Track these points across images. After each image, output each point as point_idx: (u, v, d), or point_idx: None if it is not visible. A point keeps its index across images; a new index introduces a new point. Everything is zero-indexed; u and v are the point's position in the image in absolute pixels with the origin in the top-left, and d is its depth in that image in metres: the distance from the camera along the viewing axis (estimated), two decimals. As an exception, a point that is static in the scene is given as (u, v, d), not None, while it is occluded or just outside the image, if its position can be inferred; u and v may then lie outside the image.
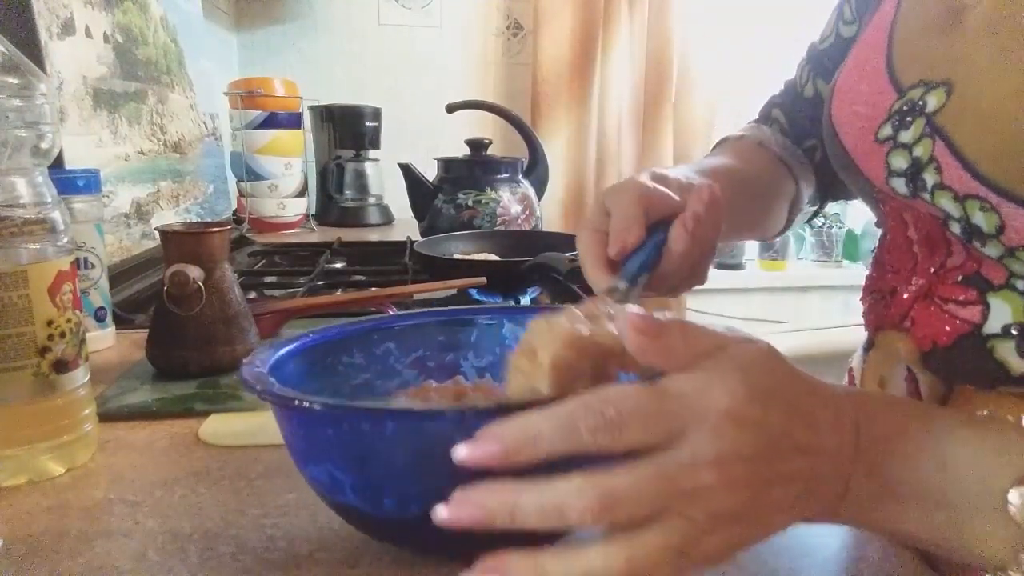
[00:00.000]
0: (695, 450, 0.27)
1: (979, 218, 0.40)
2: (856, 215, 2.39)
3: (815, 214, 0.74)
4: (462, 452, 0.27)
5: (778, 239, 2.29)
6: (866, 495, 0.31)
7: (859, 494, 0.31)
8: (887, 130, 0.45)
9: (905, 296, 0.48)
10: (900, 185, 0.44)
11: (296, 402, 0.31)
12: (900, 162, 0.44)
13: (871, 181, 0.48)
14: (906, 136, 0.44)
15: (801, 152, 0.68)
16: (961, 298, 0.44)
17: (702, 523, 0.27)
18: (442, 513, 0.27)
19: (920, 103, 0.43)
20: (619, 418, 0.27)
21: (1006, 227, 0.39)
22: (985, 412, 0.43)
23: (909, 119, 0.44)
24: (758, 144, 0.68)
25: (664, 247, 0.46)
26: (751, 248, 2.38)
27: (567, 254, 0.83)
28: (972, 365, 0.43)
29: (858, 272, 2.34)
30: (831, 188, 0.70)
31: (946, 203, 0.41)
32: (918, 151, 0.43)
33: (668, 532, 0.27)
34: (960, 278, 0.44)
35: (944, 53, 0.43)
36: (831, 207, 2.68)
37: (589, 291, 0.86)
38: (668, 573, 0.27)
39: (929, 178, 0.42)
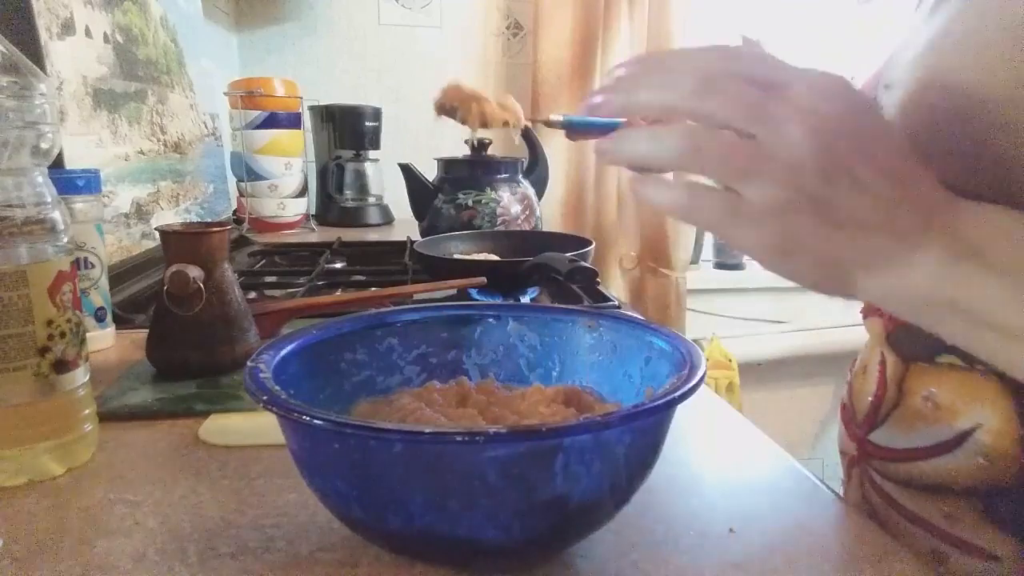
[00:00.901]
0: (792, 93, 0.31)
1: None
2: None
3: None
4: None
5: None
6: (949, 241, 0.31)
7: (943, 233, 0.31)
8: None
9: None
10: None
11: (302, 416, 0.30)
12: None
13: None
14: None
15: None
16: None
17: (769, 152, 0.31)
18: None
19: (881, 104, 0.48)
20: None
21: None
22: (933, 390, 0.46)
23: None
24: None
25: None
26: (751, 248, 2.38)
27: (567, 254, 0.83)
28: (922, 337, 0.43)
29: (858, 272, 2.34)
30: None
31: None
32: None
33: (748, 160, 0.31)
34: None
35: (902, 58, 0.48)
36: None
37: (588, 292, 0.86)
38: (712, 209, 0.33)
39: None
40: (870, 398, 0.52)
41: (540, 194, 1.28)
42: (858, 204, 0.31)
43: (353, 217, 1.67)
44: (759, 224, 0.32)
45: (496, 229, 1.15)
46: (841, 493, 0.52)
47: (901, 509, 0.49)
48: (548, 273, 0.83)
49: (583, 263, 0.82)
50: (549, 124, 0.55)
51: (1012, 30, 0.35)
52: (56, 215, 0.44)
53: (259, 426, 0.50)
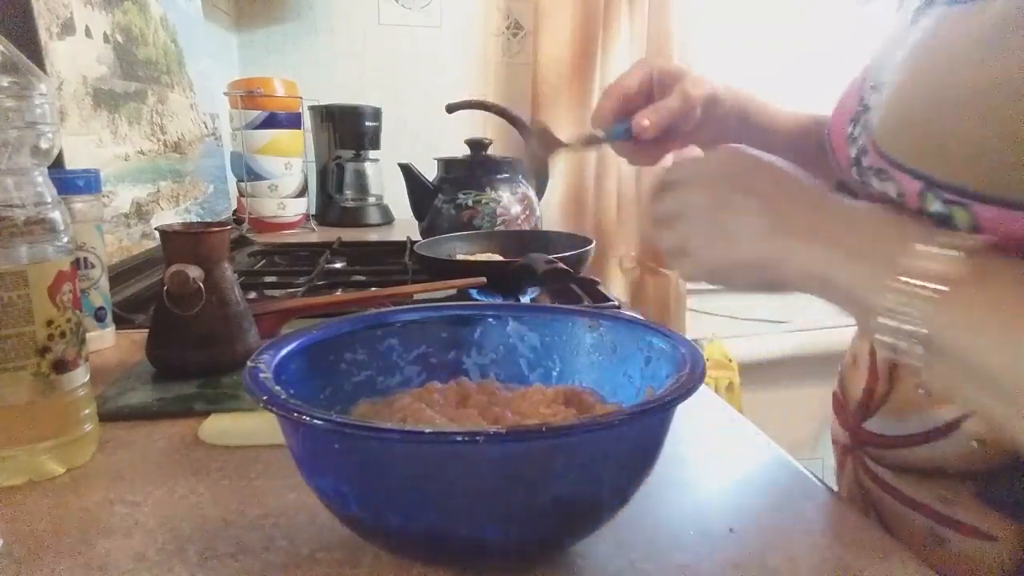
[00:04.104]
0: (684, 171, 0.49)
1: (888, 187, 0.45)
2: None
3: None
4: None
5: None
6: (824, 240, 0.40)
7: (816, 233, 0.41)
8: (850, 128, 0.51)
9: None
10: (855, 173, 0.49)
11: (302, 416, 0.30)
12: (852, 151, 0.50)
13: (845, 179, 0.53)
14: (856, 130, 0.50)
15: None
16: None
17: (690, 222, 0.46)
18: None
19: (866, 102, 0.49)
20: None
21: (905, 194, 0.43)
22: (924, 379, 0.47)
23: (861, 116, 0.50)
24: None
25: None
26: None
27: (547, 255, 0.84)
28: None
29: (858, 272, 2.34)
30: None
31: (875, 182, 0.46)
32: (861, 140, 0.48)
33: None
34: None
35: (890, 61, 0.48)
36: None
37: (589, 292, 0.86)
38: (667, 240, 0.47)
39: (865, 161, 0.47)
40: (862, 387, 0.53)
41: (540, 194, 1.28)
42: (742, 223, 0.43)
43: (353, 217, 1.67)
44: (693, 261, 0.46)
45: (496, 229, 1.15)
46: (835, 483, 0.56)
47: (897, 494, 0.50)
48: (530, 273, 0.83)
49: (560, 264, 0.82)
50: (589, 141, 0.63)
51: (978, 38, 0.40)
52: (56, 215, 0.44)
53: (259, 426, 0.50)
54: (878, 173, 0.46)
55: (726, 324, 2.30)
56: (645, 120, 0.59)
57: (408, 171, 1.21)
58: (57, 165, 0.75)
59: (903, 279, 0.35)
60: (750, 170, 0.45)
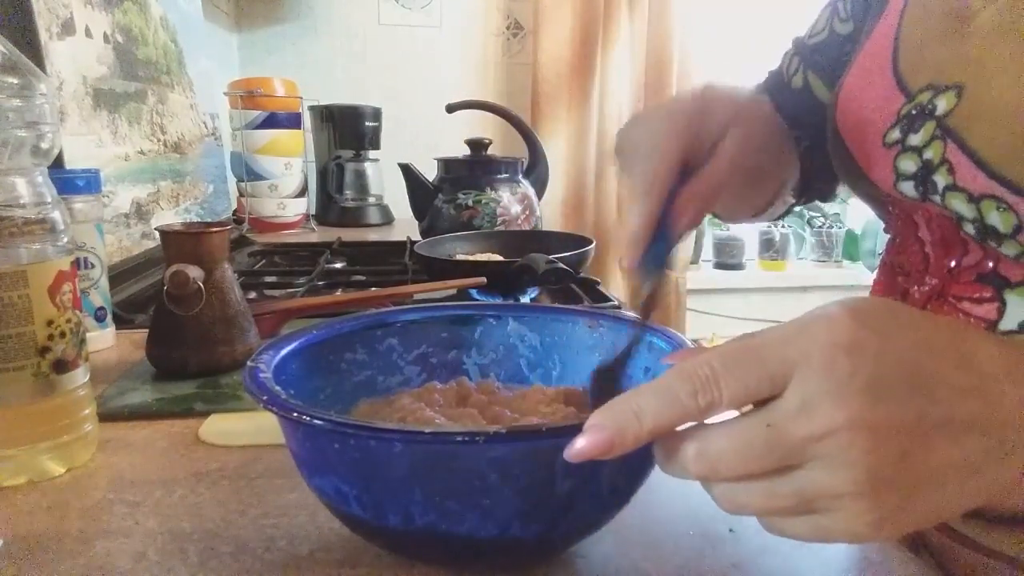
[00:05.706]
0: (804, 391, 0.24)
1: (995, 218, 0.40)
2: (856, 215, 2.39)
3: (787, 212, 0.71)
4: (574, 450, 0.27)
5: (778, 239, 2.30)
6: None
7: None
8: (895, 134, 0.45)
9: (917, 297, 0.48)
10: (909, 189, 0.44)
11: (302, 416, 0.30)
12: (909, 166, 0.44)
13: (878, 186, 0.48)
14: (915, 139, 0.43)
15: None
16: (976, 296, 0.44)
17: (833, 485, 0.24)
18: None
19: (930, 106, 0.43)
20: (714, 373, 0.25)
21: (1023, 227, 0.39)
22: None
23: (918, 123, 0.43)
24: (773, 108, 0.61)
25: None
26: (751, 248, 2.38)
27: (547, 255, 0.83)
28: None
29: (858, 272, 2.34)
30: (811, 183, 0.66)
31: (959, 205, 0.41)
32: (928, 154, 0.43)
33: (787, 491, 0.25)
34: (975, 276, 0.44)
35: (952, 57, 0.43)
36: (829, 207, 2.64)
37: (589, 292, 0.86)
38: (802, 533, 0.26)
39: (940, 180, 0.42)
40: None
41: (540, 194, 1.28)
42: (952, 450, 0.25)
43: (353, 217, 1.67)
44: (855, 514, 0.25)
45: (496, 229, 1.15)
46: None
47: (975, 545, 0.43)
48: (528, 274, 0.83)
49: (560, 264, 0.82)
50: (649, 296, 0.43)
51: None
52: (56, 215, 0.44)
53: (259, 426, 0.50)
54: (978, 201, 0.40)
55: (726, 324, 2.30)
56: (684, 220, 0.42)
57: (408, 171, 1.21)
58: (57, 165, 0.75)
59: None
60: (904, 344, 0.25)
